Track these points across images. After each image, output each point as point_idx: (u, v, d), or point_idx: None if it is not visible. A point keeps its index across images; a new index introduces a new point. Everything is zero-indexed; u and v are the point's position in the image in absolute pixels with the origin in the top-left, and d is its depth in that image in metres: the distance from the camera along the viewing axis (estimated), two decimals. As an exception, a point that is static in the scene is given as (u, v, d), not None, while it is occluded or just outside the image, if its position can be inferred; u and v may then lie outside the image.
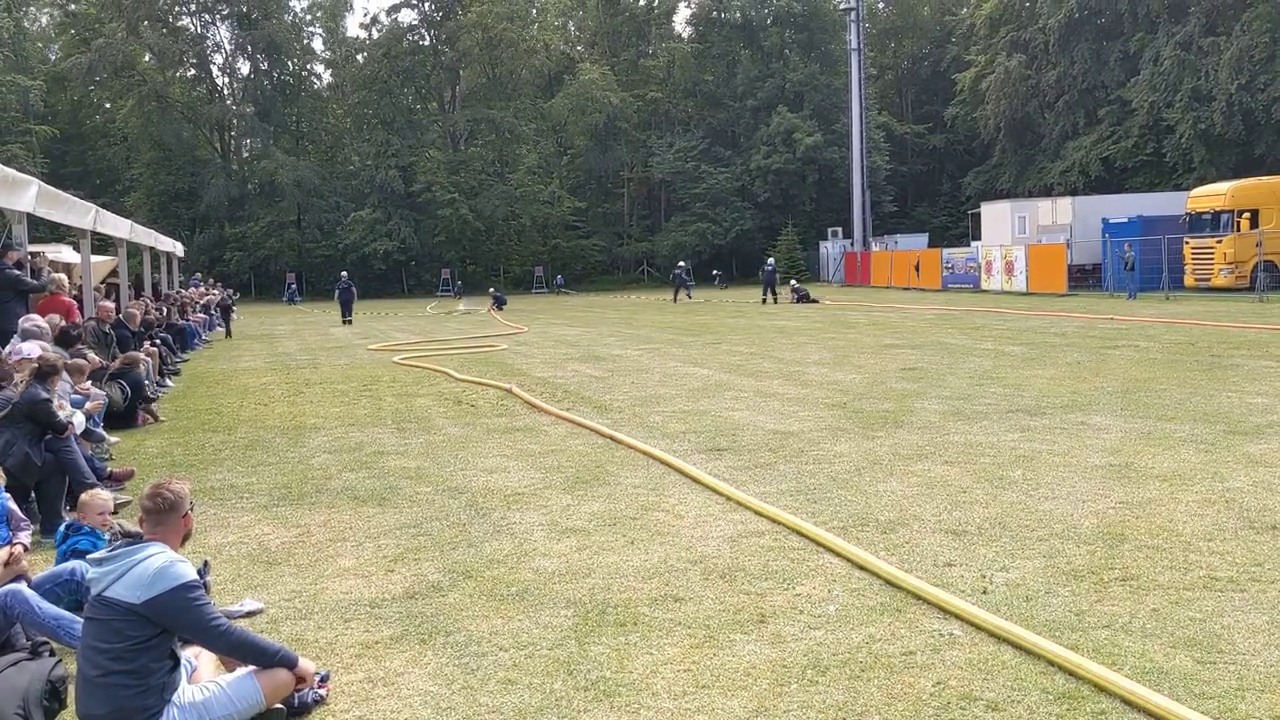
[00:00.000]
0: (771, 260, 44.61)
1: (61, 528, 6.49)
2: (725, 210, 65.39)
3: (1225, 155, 49.85)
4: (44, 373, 8.20)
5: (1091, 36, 57.88)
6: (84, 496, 6.50)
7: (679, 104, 71.86)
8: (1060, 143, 59.93)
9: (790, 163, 63.54)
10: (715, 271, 58.10)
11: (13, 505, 6.36)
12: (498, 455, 10.10)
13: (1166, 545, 6.32)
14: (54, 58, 70.65)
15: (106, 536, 5.89)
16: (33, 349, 9.20)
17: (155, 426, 12.76)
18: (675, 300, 43.30)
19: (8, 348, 10.32)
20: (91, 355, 11.86)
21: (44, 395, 7.95)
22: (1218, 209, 34.32)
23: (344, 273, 40.27)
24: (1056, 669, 4.56)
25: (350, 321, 34.46)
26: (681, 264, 48.68)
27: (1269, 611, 5.18)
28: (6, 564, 5.42)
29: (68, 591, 5.39)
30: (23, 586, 5.13)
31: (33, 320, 10.65)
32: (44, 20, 72.32)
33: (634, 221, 72.54)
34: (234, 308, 33.22)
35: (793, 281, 42.00)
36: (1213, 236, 34.02)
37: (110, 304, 16.32)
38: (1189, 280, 34.57)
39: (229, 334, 30.64)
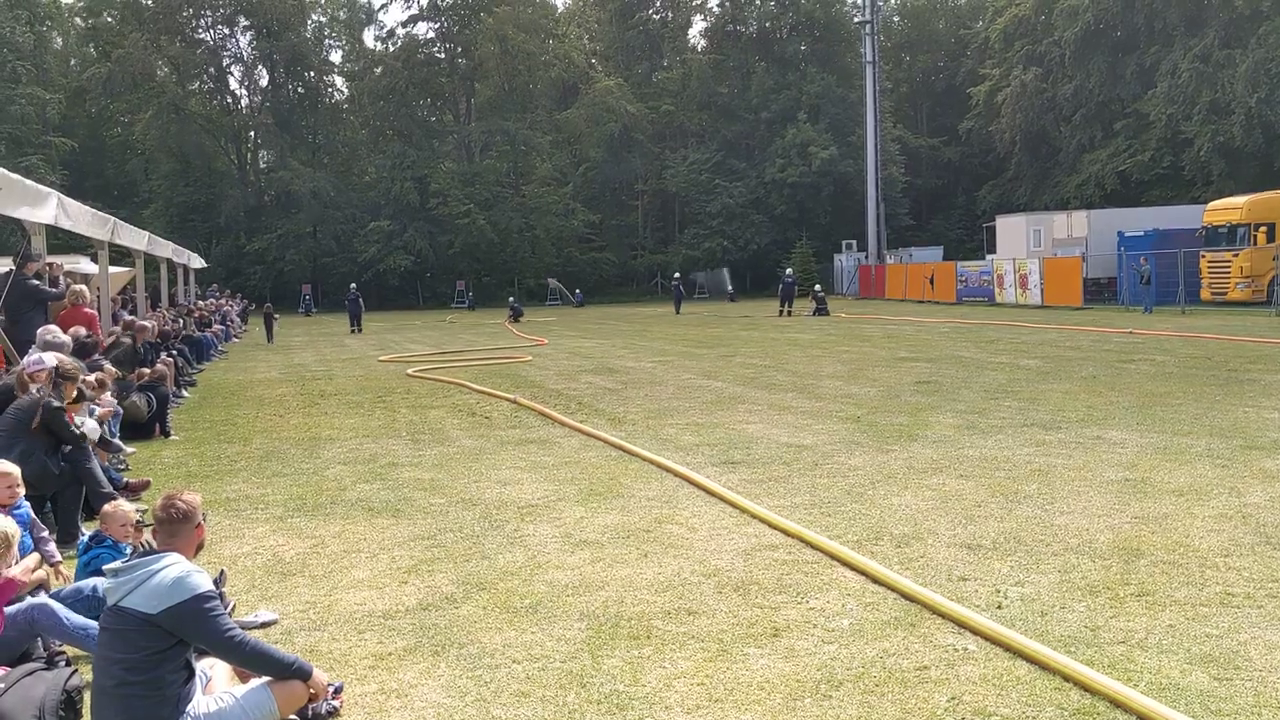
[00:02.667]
0: (790, 271, 44.53)
1: (84, 539, 6.51)
2: (741, 226, 65.31)
3: (1244, 168, 49.65)
4: (59, 380, 8.25)
5: (1108, 49, 57.76)
6: (107, 508, 6.53)
7: (693, 116, 71.92)
8: (1076, 156, 59.78)
9: (806, 176, 63.44)
10: (728, 287, 58.18)
11: (33, 514, 6.39)
12: (511, 467, 10.12)
13: (1183, 561, 6.28)
14: (74, 72, 71.12)
15: (127, 550, 5.92)
16: (50, 359, 9.25)
17: (171, 438, 12.80)
18: (678, 311, 44.01)
19: (25, 359, 10.37)
20: (109, 366, 11.91)
21: (56, 403, 8.00)
22: (1234, 222, 34.19)
23: (353, 285, 43.71)
24: (1072, 684, 4.54)
25: (359, 330, 36.89)
26: (677, 275, 50.18)
27: (1286, 628, 5.15)
28: (35, 570, 5.43)
29: (88, 609, 5.40)
30: (48, 600, 5.15)
31: (51, 331, 10.72)
32: (59, 43, 72.78)
33: (648, 234, 72.60)
34: (276, 316, 36.05)
35: (816, 287, 41.97)
36: (1229, 250, 33.87)
37: (150, 324, 16.41)
38: (1205, 294, 34.41)
39: (270, 339, 33.03)
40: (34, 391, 8.17)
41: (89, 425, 8.69)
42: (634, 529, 7.52)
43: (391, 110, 67.74)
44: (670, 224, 73.14)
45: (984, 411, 12.59)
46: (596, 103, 65.27)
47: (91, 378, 10.61)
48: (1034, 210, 52.68)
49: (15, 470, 6.18)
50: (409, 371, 20.21)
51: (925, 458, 9.81)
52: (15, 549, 4.88)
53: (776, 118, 67.05)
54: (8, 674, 4.51)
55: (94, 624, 4.99)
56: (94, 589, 5.48)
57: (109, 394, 11.00)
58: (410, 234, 62.24)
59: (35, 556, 5.62)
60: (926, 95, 79.02)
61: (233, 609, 5.68)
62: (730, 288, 58.62)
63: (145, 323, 16.34)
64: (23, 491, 6.29)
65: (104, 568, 4.60)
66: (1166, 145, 53.87)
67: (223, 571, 5.91)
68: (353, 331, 36.68)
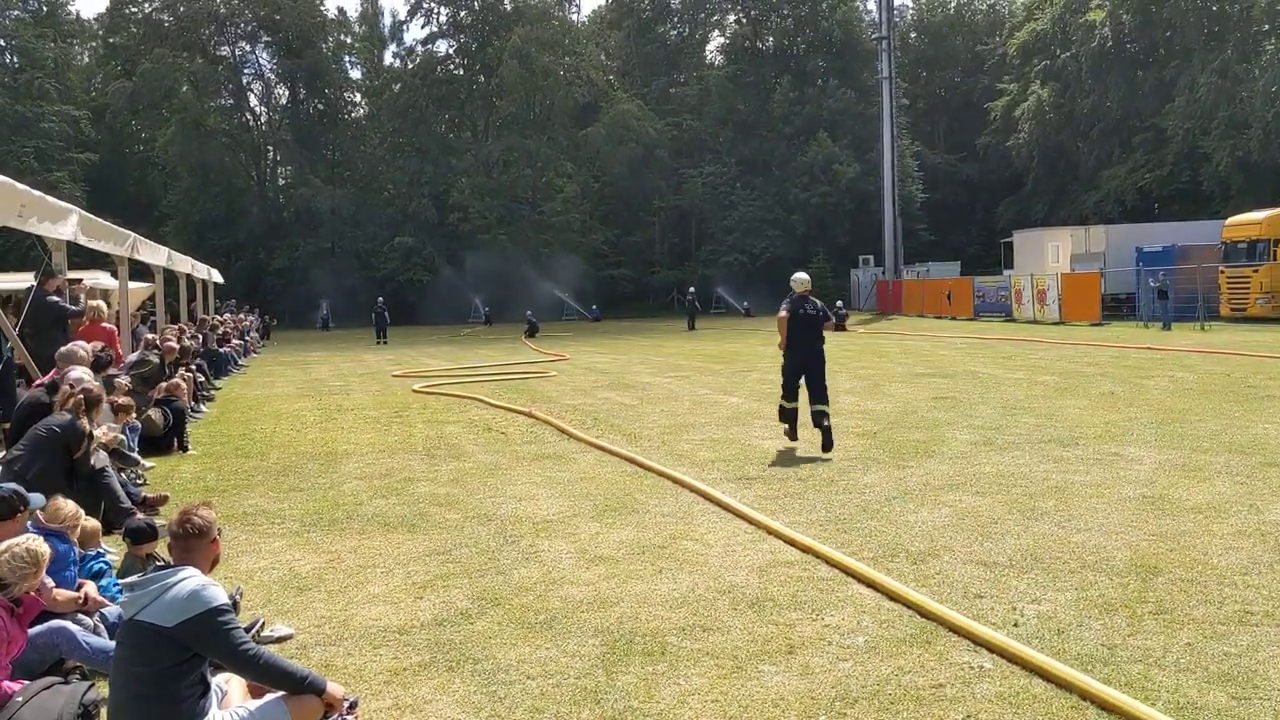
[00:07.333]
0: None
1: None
2: (756, 240, 65.23)
3: (1262, 183, 49.32)
4: (89, 404, 8.31)
5: (1125, 65, 57.61)
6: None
7: (711, 132, 71.96)
8: (1095, 172, 59.53)
9: (830, 196, 63.19)
10: (744, 303, 58.17)
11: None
12: (527, 482, 10.13)
13: (1201, 578, 6.24)
14: (96, 90, 71.77)
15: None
16: (83, 375, 9.33)
17: (188, 452, 12.86)
18: (691, 327, 43.89)
19: (68, 374, 10.44)
20: (122, 380, 12.00)
21: (86, 429, 8.06)
22: (1254, 238, 34.03)
23: (380, 299, 44.40)
24: (1089, 703, 4.52)
25: (385, 342, 38.36)
26: (692, 290, 50.48)
27: (1306, 647, 5.10)
28: (83, 603, 5.44)
29: (113, 635, 5.42)
30: (68, 623, 5.18)
31: (67, 346, 10.77)
32: (85, 58, 73.50)
33: (664, 249, 72.60)
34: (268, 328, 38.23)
35: (839, 303, 41.94)
36: (1249, 265, 33.71)
37: (175, 345, 16.51)
38: (1224, 310, 34.24)
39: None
40: (63, 414, 8.19)
41: (100, 455, 8.71)
42: (649, 545, 7.51)
43: (409, 127, 68.08)
44: (687, 239, 73.07)
45: (1001, 428, 12.54)
46: (617, 122, 65.36)
47: (121, 400, 10.74)
48: (1052, 225, 52.50)
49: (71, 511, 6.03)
50: (415, 388, 20.21)
51: (942, 474, 9.78)
52: (44, 569, 4.91)
53: (796, 133, 66.99)
54: (26, 687, 4.56)
55: (112, 645, 5.03)
56: (117, 616, 5.50)
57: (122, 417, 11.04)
58: (429, 250, 62.53)
59: (83, 592, 5.57)
60: (944, 111, 78.90)
61: (261, 627, 5.69)
62: (746, 302, 58.56)
63: (172, 343, 16.41)
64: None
65: (120, 582, 4.63)
66: (1185, 160, 53.63)
67: (240, 589, 5.93)
68: (379, 343, 38.10)
